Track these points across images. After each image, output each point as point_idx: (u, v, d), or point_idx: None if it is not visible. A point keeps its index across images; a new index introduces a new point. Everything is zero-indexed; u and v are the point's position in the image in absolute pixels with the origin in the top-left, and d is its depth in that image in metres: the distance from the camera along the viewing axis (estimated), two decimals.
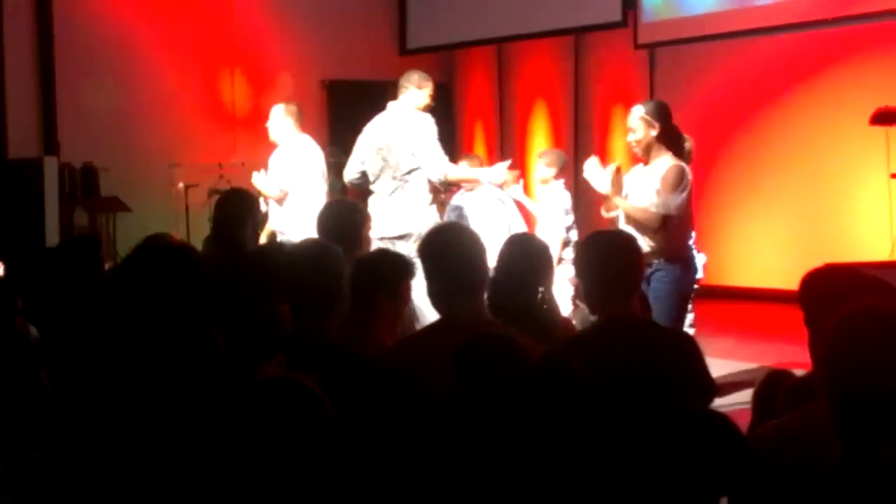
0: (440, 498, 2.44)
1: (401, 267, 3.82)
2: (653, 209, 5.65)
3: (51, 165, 10.70)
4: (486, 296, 3.56)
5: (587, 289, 3.56)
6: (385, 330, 3.72)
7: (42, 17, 11.20)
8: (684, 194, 5.69)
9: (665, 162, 5.75)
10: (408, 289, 3.81)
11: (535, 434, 2.33)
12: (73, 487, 2.26)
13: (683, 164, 5.80)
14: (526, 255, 4.09)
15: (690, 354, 3.46)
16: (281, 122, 7.72)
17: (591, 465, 2.30)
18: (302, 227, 7.44)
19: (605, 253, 3.56)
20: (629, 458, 2.32)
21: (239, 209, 5.39)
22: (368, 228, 5.04)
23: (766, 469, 2.45)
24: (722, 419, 2.40)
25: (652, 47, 11.23)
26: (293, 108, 7.83)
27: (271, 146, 7.88)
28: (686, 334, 3.50)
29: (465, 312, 3.40)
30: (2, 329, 3.55)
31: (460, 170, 7.15)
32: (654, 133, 5.76)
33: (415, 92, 6.79)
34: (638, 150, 5.84)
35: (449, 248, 3.53)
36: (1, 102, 11.03)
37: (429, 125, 6.57)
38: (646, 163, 5.85)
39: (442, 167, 6.48)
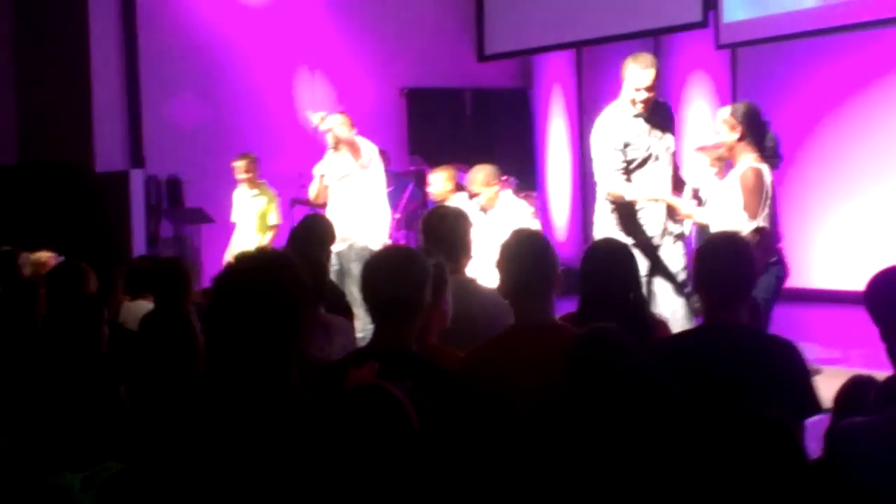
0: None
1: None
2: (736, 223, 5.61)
3: (137, 178, 10.93)
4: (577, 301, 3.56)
5: (699, 293, 3.55)
6: (435, 335, 3.70)
7: (128, 33, 11.44)
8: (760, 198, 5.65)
9: (743, 165, 5.71)
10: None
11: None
12: (149, 496, 2.29)
13: (759, 167, 5.73)
14: (610, 258, 4.06)
15: (796, 366, 3.38)
16: (346, 128, 7.99)
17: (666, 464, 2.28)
18: (372, 234, 7.56)
19: (715, 259, 3.53)
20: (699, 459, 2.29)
21: (326, 232, 5.77)
22: (463, 232, 4.98)
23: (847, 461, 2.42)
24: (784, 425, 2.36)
25: (733, 47, 11.08)
26: (348, 118, 8.16)
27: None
28: (793, 345, 3.41)
29: (535, 315, 3.40)
30: (88, 343, 3.62)
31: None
32: (736, 135, 5.71)
33: None
34: (724, 153, 5.89)
35: (520, 251, 3.55)
36: (88, 117, 11.29)
37: None
38: (732, 165, 5.86)
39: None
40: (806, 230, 10.70)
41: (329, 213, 7.57)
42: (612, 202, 6.24)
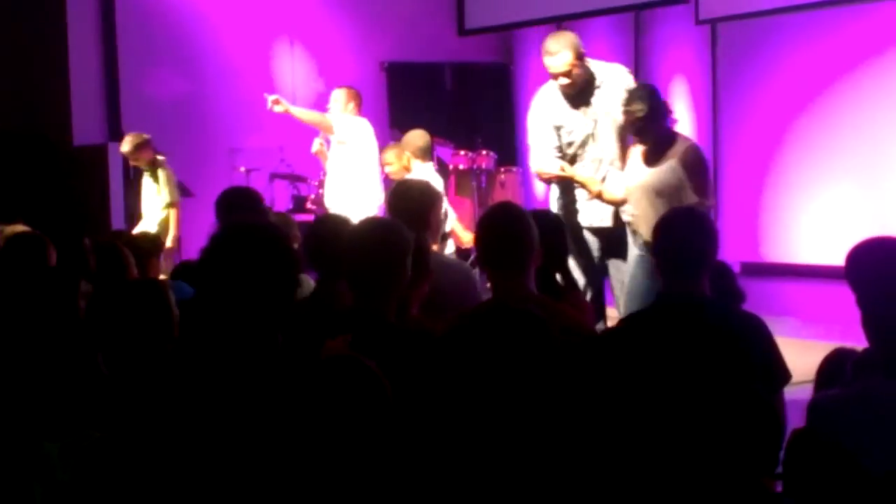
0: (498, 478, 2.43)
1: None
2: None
3: (115, 151, 10.83)
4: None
5: (659, 265, 3.51)
6: (417, 307, 3.71)
7: (105, 5, 11.33)
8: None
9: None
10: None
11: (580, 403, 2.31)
12: (129, 464, 2.28)
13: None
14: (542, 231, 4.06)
15: (761, 337, 3.36)
16: (343, 106, 8.20)
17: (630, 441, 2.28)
18: (360, 208, 7.56)
19: (672, 229, 3.50)
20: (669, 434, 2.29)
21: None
22: (439, 210, 4.97)
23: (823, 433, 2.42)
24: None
25: (713, 23, 11.07)
26: (354, 91, 8.35)
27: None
28: (756, 317, 3.38)
29: (513, 288, 3.40)
30: (64, 313, 3.59)
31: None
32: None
33: None
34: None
35: (498, 223, 3.54)
36: (66, 90, 11.18)
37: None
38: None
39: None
40: (790, 207, 10.74)
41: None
42: (557, 185, 6.17)
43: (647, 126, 5.74)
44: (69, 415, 2.73)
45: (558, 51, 5.94)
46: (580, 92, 6.04)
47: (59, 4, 11.17)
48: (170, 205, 9.21)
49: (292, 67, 12.07)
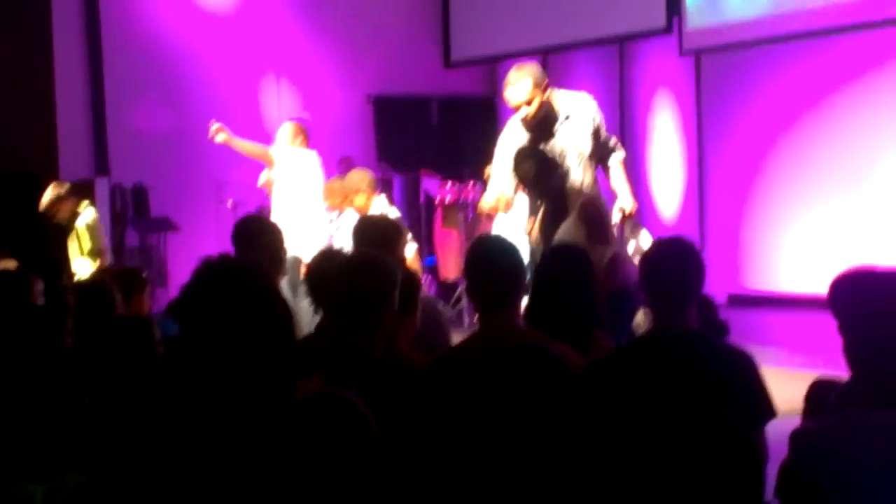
0: None
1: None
2: None
3: (102, 186, 10.85)
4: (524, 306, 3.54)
5: (646, 298, 3.49)
6: (407, 341, 3.70)
7: (92, 40, 11.37)
8: None
9: None
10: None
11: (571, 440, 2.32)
12: None
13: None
14: (565, 267, 4.05)
15: (748, 371, 3.33)
16: (290, 139, 8.28)
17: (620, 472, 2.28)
18: (302, 241, 7.50)
19: (657, 261, 3.49)
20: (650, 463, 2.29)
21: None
22: (404, 244, 4.98)
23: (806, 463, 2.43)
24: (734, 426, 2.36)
25: (697, 54, 11.15)
26: (301, 126, 8.46)
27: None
28: (744, 352, 3.35)
29: (500, 323, 3.39)
30: (49, 351, 3.59)
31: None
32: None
33: None
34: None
35: (488, 258, 3.53)
36: (52, 125, 11.20)
37: None
38: None
39: None
40: (772, 235, 10.77)
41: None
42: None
43: (540, 184, 5.86)
44: (54, 456, 2.72)
45: (518, 80, 5.87)
46: (542, 124, 5.95)
47: (45, 39, 11.21)
48: (92, 253, 8.57)
49: (279, 100, 12.11)
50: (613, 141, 6.28)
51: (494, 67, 13.36)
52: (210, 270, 2.51)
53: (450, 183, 10.67)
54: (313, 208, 8.07)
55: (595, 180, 6.11)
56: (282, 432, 2.28)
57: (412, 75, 12.76)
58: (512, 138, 6.07)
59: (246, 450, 2.34)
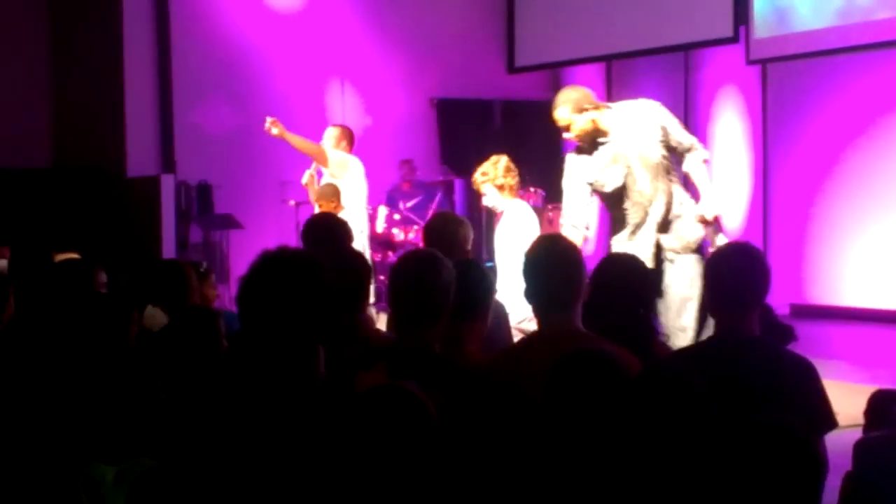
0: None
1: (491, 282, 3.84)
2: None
3: (168, 183, 11.01)
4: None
5: (709, 304, 3.48)
6: (477, 344, 3.72)
7: (161, 39, 11.54)
8: None
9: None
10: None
11: (637, 440, 2.33)
12: (181, 493, 2.32)
13: None
14: (624, 274, 4.04)
15: (810, 380, 3.29)
16: (335, 143, 8.52)
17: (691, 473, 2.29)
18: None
19: (720, 267, 3.49)
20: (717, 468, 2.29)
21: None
22: (468, 241, 5.01)
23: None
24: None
25: (764, 63, 11.07)
26: (348, 131, 8.70)
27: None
28: (806, 360, 3.32)
29: (560, 325, 3.39)
30: (120, 341, 3.66)
31: None
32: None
33: None
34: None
35: (548, 259, 3.53)
36: (121, 122, 11.39)
37: None
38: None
39: None
40: (836, 247, 10.66)
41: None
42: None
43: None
44: (126, 440, 2.78)
45: (557, 105, 5.98)
46: (595, 144, 5.97)
47: (116, 38, 11.39)
48: None
49: (343, 103, 12.20)
50: (690, 141, 6.00)
51: (558, 73, 13.35)
52: (267, 260, 2.54)
53: None
54: (358, 211, 8.18)
55: (674, 187, 5.95)
56: (344, 423, 2.31)
57: (475, 80, 12.79)
58: (573, 167, 6.08)
59: (307, 439, 2.37)
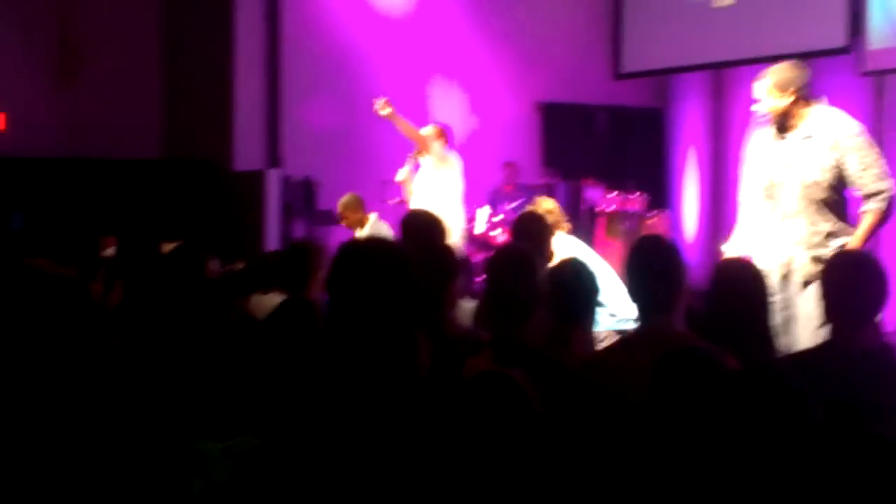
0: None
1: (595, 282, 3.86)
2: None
3: (273, 177, 11.19)
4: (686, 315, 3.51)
5: (826, 314, 3.41)
6: (582, 347, 3.73)
7: (272, 37, 11.73)
8: None
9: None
10: None
11: (735, 439, 2.31)
12: (285, 471, 2.36)
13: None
14: (737, 282, 3.99)
15: None
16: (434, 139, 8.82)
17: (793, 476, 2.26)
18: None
19: (835, 274, 3.43)
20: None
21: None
22: (550, 237, 5.16)
23: None
24: None
25: (879, 75, 10.82)
26: (446, 129, 8.99)
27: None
28: None
29: (660, 325, 3.38)
30: (220, 326, 3.75)
31: None
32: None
33: None
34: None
35: (650, 259, 3.52)
36: (230, 117, 11.60)
37: None
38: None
39: None
40: None
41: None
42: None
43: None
44: (232, 419, 2.85)
45: (763, 76, 5.67)
46: (780, 128, 5.56)
47: (228, 35, 11.62)
48: None
49: (447, 103, 12.25)
50: (876, 187, 5.38)
51: (664, 80, 13.24)
52: (349, 248, 2.58)
53: (614, 192, 10.63)
54: (454, 207, 8.29)
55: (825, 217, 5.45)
56: (452, 406, 2.33)
57: (581, 85, 12.75)
58: (754, 141, 5.80)
59: (410, 422, 2.40)
